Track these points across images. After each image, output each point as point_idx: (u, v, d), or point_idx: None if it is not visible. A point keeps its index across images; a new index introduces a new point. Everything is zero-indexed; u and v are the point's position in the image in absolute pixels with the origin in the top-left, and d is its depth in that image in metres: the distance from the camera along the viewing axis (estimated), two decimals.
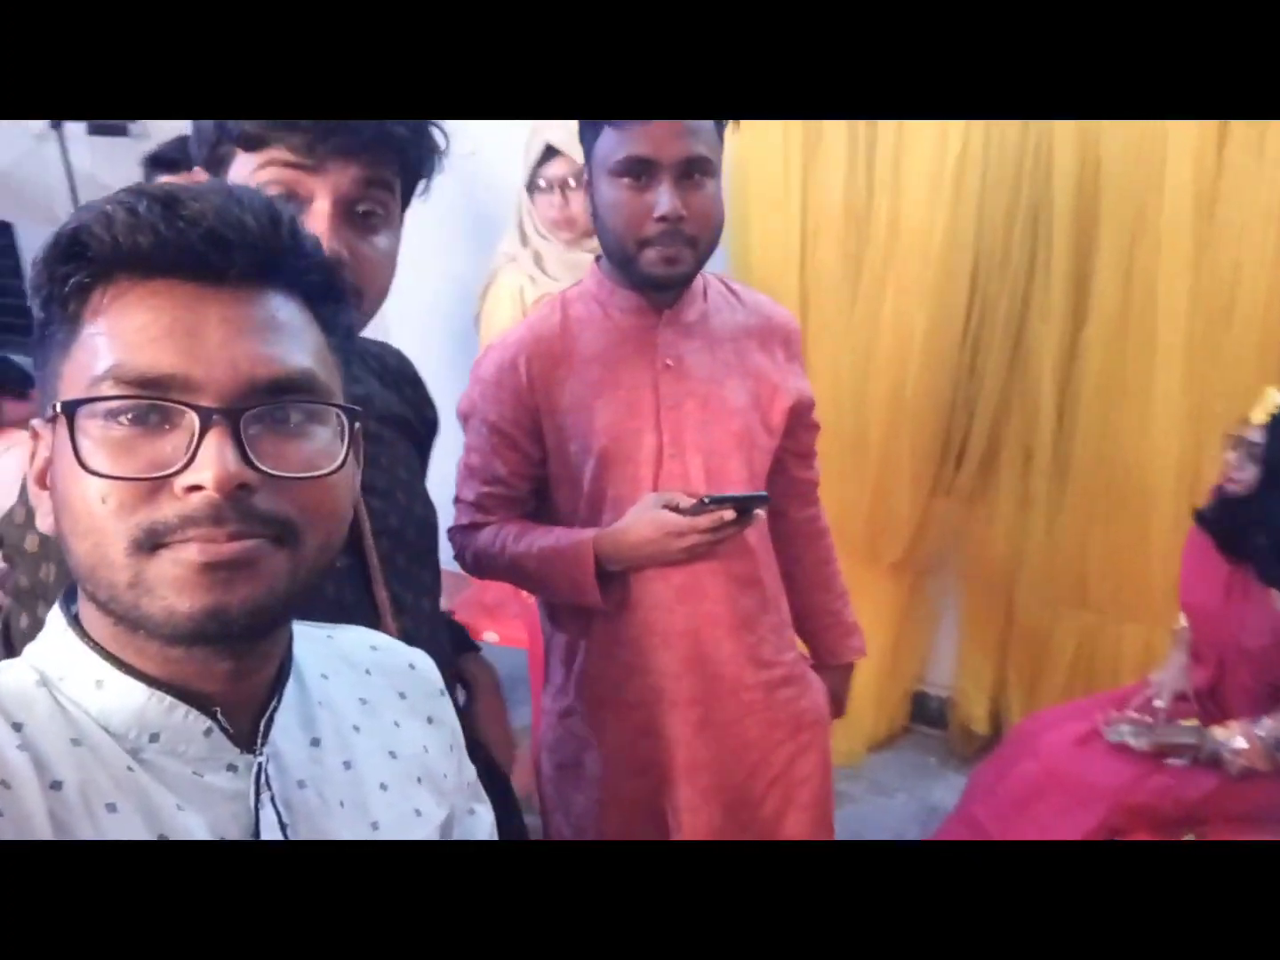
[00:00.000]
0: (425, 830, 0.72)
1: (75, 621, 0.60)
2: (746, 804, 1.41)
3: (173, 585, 0.54)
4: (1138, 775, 1.85)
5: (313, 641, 0.72)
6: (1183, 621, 2.03)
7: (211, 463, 0.53)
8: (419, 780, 0.73)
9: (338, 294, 0.64)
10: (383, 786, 0.69)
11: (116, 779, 0.56)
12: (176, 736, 0.58)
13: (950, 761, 2.63)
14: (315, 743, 0.67)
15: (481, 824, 0.83)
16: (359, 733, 0.70)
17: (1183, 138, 2.02)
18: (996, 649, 2.58)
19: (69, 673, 0.58)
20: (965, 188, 2.28)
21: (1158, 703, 1.97)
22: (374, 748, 0.70)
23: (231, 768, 0.60)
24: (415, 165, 0.92)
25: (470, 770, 0.83)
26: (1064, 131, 2.15)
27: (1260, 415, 1.78)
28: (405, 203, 0.96)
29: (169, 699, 0.58)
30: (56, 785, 0.54)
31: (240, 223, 0.56)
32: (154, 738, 0.58)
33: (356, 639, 0.77)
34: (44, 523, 0.59)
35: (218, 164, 0.89)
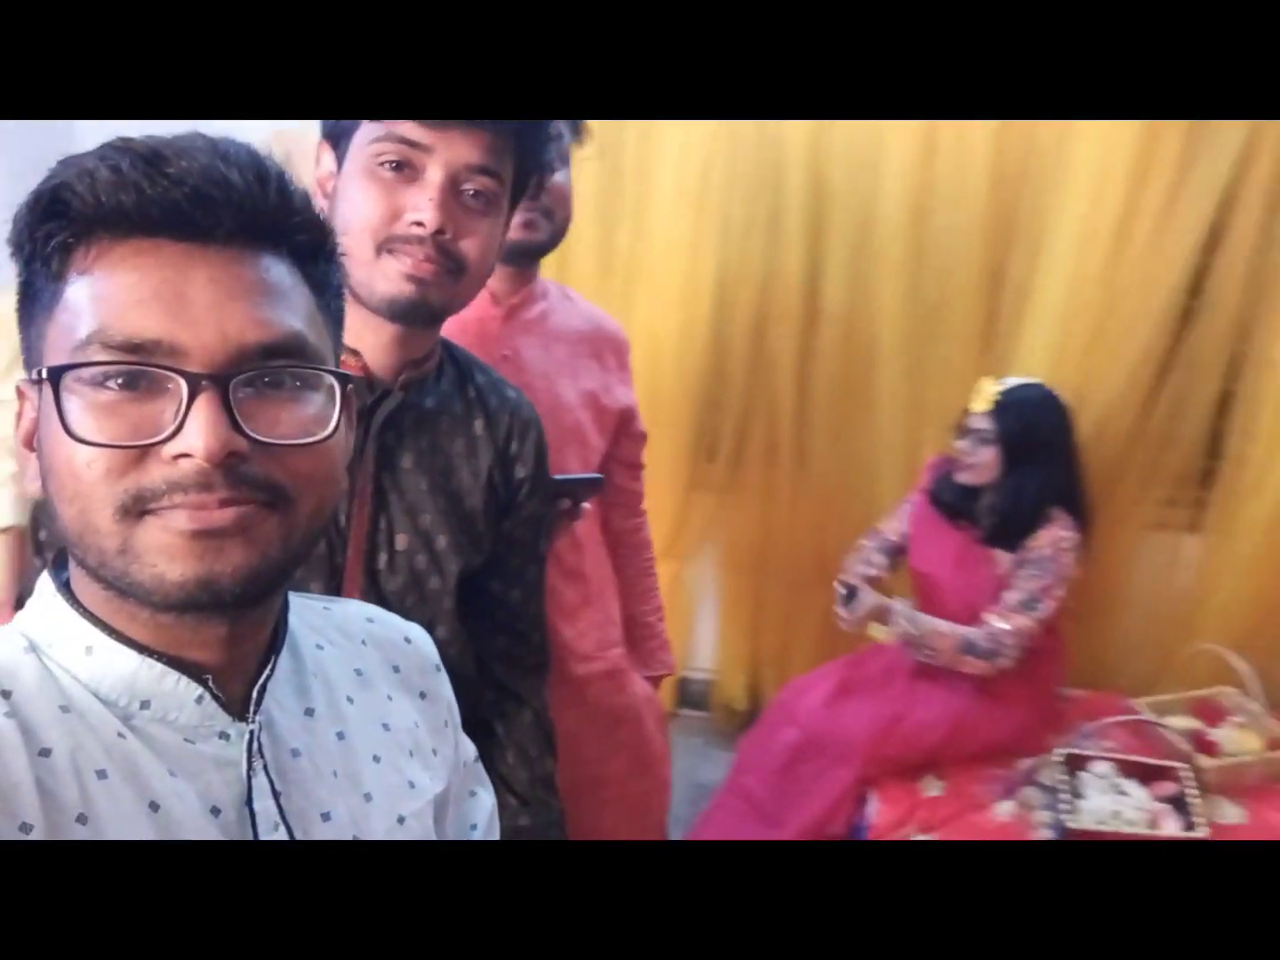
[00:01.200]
0: (419, 803, 0.71)
1: (65, 588, 0.59)
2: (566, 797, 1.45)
3: (162, 552, 0.53)
4: (884, 727, 2.05)
5: (309, 612, 0.71)
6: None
7: (201, 431, 0.52)
8: (411, 754, 0.72)
9: (329, 253, 0.62)
10: (375, 758, 0.69)
11: (106, 746, 0.55)
12: (167, 703, 0.58)
13: (715, 740, 2.78)
14: (309, 712, 0.66)
15: (482, 807, 0.82)
16: (353, 704, 0.69)
17: (898, 154, 2.27)
18: (751, 629, 2.76)
19: (58, 639, 0.58)
20: (708, 200, 2.44)
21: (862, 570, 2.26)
22: (367, 719, 0.70)
23: (223, 735, 0.59)
24: (529, 158, 0.94)
25: (470, 750, 0.82)
26: (794, 148, 2.35)
27: (982, 404, 2.03)
28: (516, 198, 0.96)
29: (160, 665, 0.57)
30: (45, 752, 0.53)
31: (226, 180, 0.54)
32: (144, 705, 0.57)
33: (353, 611, 0.76)
34: (31, 485, 0.57)
35: (342, 134, 0.91)
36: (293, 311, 0.57)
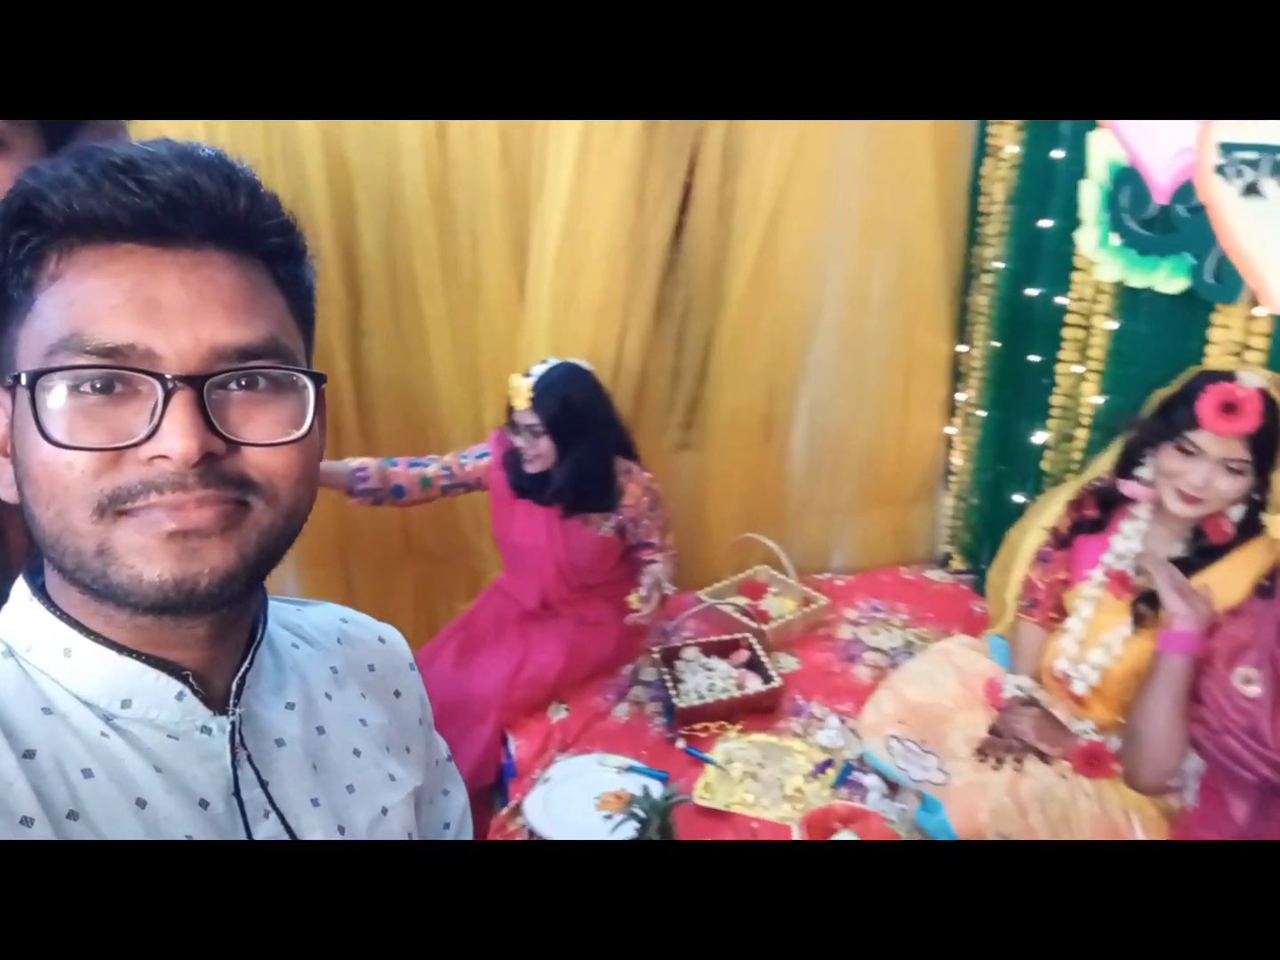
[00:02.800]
0: (399, 795, 0.72)
1: (41, 591, 0.60)
2: None
3: (140, 553, 0.53)
4: (511, 676, 2.18)
5: (282, 612, 0.73)
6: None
7: (177, 433, 0.52)
8: (387, 749, 0.74)
9: (299, 254, 0.63)
10: (356, 751, 0.70)
11: (90, 746, 0.56)
12: (148, 702, 0.58)
13: None
14: (289, 706, 0.67)
15: (454, 805, 0.82)
16: (331, 700, 0.71)
17: (410, 135, 2.34)
18: None
19: (36, 642, 0.58)
20: None
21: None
22: (346, 714, 0.71)
23: (205, 730, 0.61)
24: None
25: (443, 749, 0.82)
26: (307, 129, 2.32)
27: (521, 401, 2.14)
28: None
29: (138, 664, 0.58)
30: (30, 754, 0.54)
31: (196, 186, 0.54)
32: (125, 704, 0.58)
33: (326, 611, 0.78)
34: (6, 491, 0.57)
35: None
36: (265, 313, 0.58)
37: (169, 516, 0.53)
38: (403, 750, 0.76)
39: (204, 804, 0.59)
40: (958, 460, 2.98)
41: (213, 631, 0.60)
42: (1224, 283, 1.93)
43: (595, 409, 2.22)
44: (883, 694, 2.09)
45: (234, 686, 0.62)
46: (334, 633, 0.76)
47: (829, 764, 2.00)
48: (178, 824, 0.57)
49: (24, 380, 0.52)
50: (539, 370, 2.18)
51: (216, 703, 0.62)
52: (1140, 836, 1.70)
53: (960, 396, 2.93)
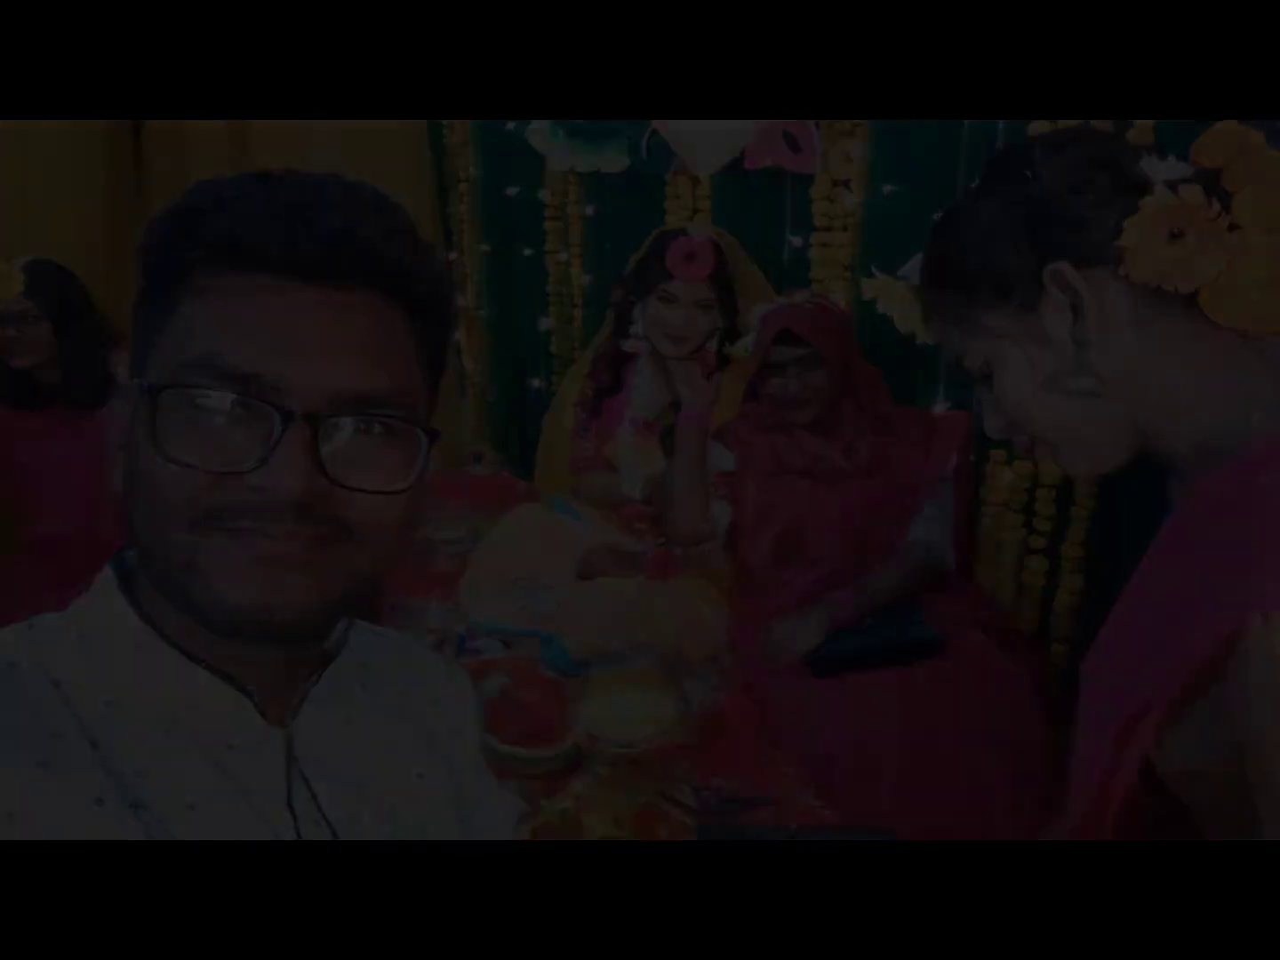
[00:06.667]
0: (454, 818, 0.72)
1: (126, 584, 0.60)
2: None
3: (225, 574, 0.53)
4: None
5: (359, 633, 0.72)
6: None
7: (285, 468, 0.52)
8: (446, 780, 0.73)
9: (443, 309, 0.62)
10: (420, 776, 0.70)
11: (150, 742, 0.57)
12: (209, 709, 0.59)
13: None
14: (348, 721, 0.67)
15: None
16: (399, 719, 0.71)
17: None
18: None
19: (111, 634, 0.58)
20: None
21: None
22: (409, 735, 0.71)
23: (261, 741, 0.61)
24: None
25: (505, 798, 0.84)
26: None
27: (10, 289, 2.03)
28: None
29: (204, 673, 0.58)
30: (94, 743, 0.55)
31: (356, 233, 0.55)
32: (189, 707, 0.58)
33: (393, 638, 0.78)
34: (115, 485, 0.57)
35: None
36: (394, 362, 0.58)
37: (260, 542, 0.53)
38: (459, 792, 0.75)
39: (258, 811, 0.59)
40: (469, 363, 3.18)
41: (284, 660, 0.61)
42: (656, 157, 2.32)
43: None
44: (473, 570, 2.24)
45: (295, 702, 0.63)
46: (397, 660, 0.76)
47: (441, 642, 2.12)
48: (229, 824, 0.57)
49: (148, 391, 0.53)
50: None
51: (276, 715, 0.62)
52: (706, 613, 2.08)
53: (458, 302, 3.11)
